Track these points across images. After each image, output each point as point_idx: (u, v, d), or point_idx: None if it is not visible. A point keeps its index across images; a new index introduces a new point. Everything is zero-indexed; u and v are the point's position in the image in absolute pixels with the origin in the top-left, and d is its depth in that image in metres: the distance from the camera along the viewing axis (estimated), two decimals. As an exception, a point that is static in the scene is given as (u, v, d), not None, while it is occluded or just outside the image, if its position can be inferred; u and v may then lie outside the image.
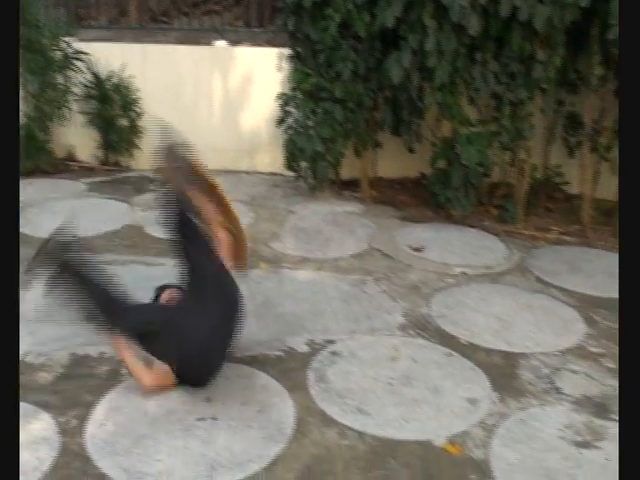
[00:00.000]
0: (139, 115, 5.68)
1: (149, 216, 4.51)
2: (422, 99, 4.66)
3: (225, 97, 5.71)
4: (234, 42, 5.96)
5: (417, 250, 4.22)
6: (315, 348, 3.09)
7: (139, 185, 5.40)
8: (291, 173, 5.19)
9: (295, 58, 5.09)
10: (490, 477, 2.36)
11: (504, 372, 2.98)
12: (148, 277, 3.71)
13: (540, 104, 4.66)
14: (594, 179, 4.77)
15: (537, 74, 4.38)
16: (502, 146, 4.70)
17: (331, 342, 3.14)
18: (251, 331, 3.21)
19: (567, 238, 4.59)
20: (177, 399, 2.68)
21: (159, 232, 4.36)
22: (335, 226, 4.59)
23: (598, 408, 2.76)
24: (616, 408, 2.75)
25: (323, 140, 4.90)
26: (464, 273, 3.96)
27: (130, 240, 4.27)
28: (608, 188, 4.78)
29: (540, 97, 4.63)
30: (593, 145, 4.78)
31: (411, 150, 5.01)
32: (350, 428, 2.57)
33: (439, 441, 2.52)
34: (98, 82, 5.60)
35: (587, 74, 4.53)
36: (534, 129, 4.66)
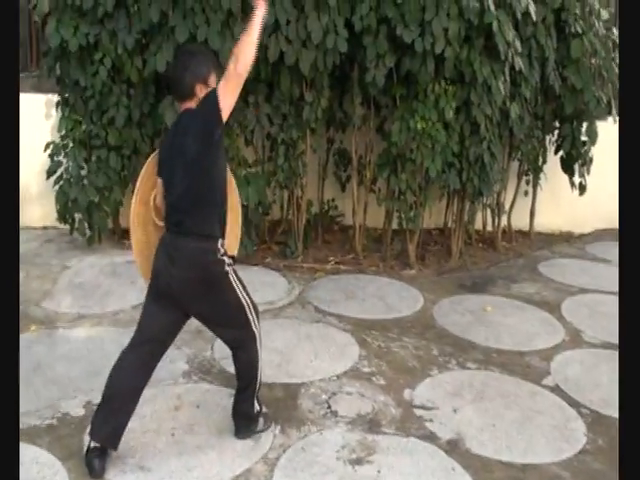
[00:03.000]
0: None
1: None
2: (199, 142, 4.71)
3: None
4: (-4, 89, 5.56)
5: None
6: (93, 409, 2.91)
7: None
8: (66, 226, 4.93)
9: (64, 105, 4.89)
10: (272, 511, 2.41)
11: (285, 404, 3.08)
12: None
13: (312, 143, 4.97)
14: (364, 210, 5.18)
15: (306, 115, 4.68)
16: (279, 185, 4.93)
17: (110, 400, 3.00)
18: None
19: (343, 267, 4.91)
20: None
21: None
22: (115, 278, 4.43)
23: (370, 424, 2.96)
24: (385, 421, 2.98)
25: (98, 189, 4.74)
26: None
27: None
28: (376, 217, 5.21)
29: (311, 136, 4.95)
30: (360, 179, 5.20)
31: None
32: (130, 488, 2.48)
33: (222, 484, 2.53)
34: None
35: (351, 114, 4.93)
36: (307, 167, 4.95)
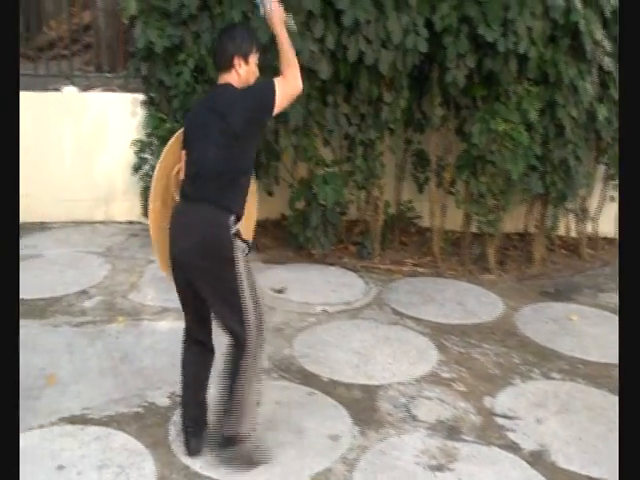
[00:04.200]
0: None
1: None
2: (278, 142, 4.76)
3: (77, 145, 5.50)
4: (85, 88, 5.79)
5: (279, 292, 4.27)
6: (177, 401, 3.01)
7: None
8: (150, 221, 5.09)
9: (149, 103, 5.04)
10: (352, 512, 2.41)
11: (364, 405, 3.08)
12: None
13: (390, 143, 4.94)
14: (442, 212, 5.10)
15: (385, 115, 4.64)
16: (357, 185, 4.92)
17: (193, 393, 3.08)
18: (107, 390, 3.10)
19: (420, 269, 4.85)
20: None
21: None
22: (196, 273, 4.54)
23: (450, 431, 2.92)
24: (466, 429, 2.93)
25: (181, 186, 4.87)
26: (325, 311, 4.06)
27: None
28: (454, 220, 5.12)
29: (389, 137, 4.91)
30: (439, 180, 5.13)
31: (270, 193, 5.06)
32: (214, 480, 2.53)
33: (302, 482, 2.55)
34: None
35: (430, 114, 4.87)
36: (385, 167, 4.92)
